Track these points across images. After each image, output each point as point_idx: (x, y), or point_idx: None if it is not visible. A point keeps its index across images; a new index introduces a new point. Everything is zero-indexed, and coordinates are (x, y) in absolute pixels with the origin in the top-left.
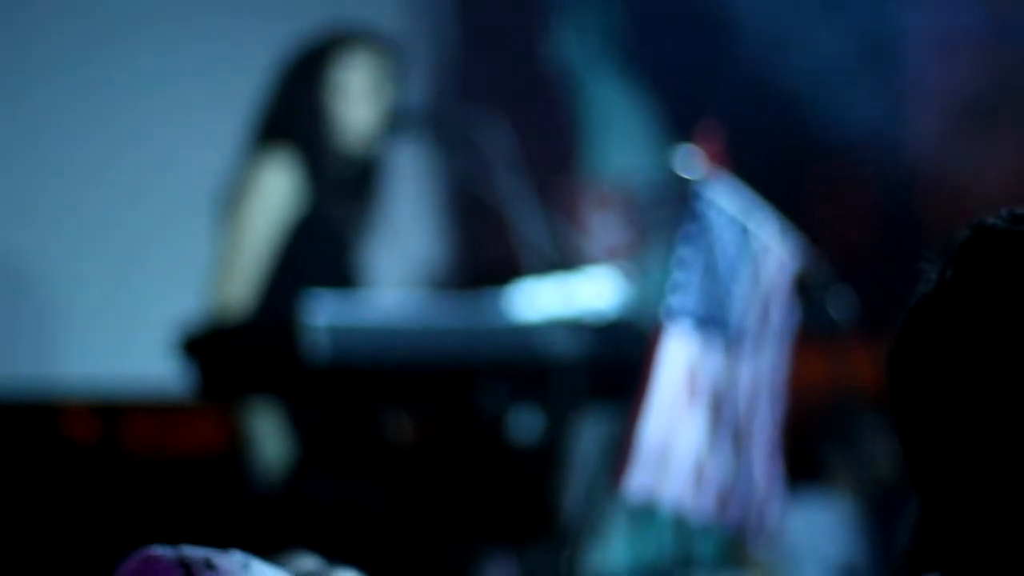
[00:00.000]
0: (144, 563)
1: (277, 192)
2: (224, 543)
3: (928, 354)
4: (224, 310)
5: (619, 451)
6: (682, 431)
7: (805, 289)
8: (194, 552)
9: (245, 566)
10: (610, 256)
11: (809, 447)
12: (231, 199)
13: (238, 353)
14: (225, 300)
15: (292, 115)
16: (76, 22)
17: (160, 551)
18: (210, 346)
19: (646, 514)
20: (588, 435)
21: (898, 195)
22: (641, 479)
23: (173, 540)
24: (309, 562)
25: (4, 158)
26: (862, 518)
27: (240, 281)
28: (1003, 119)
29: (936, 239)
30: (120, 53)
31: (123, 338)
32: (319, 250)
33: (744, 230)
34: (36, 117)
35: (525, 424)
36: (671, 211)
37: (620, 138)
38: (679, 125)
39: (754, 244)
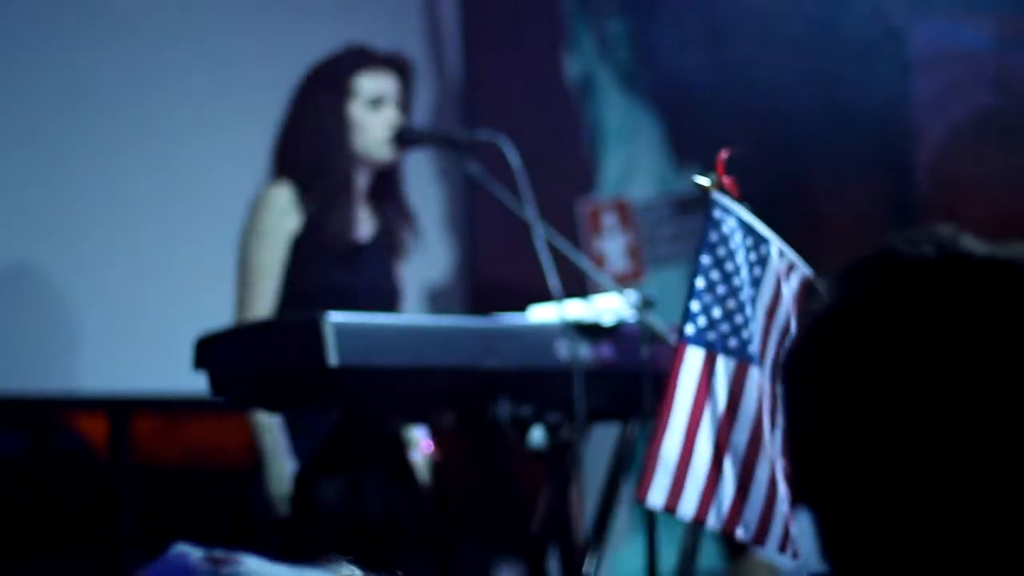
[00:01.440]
0: (173, 559)
1: (277, 209)
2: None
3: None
4: None
5: (644, 464)
6: (701, 444)
7: (811, 304)
8: (220, 552)
9: (270, 567)
10: (620, 280)
11: None
12: (242, 232)
13: (251, 349)
14: None
15: (298, 146)
16: (107, 41)
17: (188, 548)
18: (224, 343)
19: (662, 523)
20: (603, 441)
21: (905, 212)
22: (662, 490)
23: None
24: (346, 570)
25: (28, 171)
26: None
27: (254, 310)
28: (1006, 134)
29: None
30: (149, 71)
31: (144, 353)
32: (327, 270)
33: (761, 240)
34: (60, 131)
35: (541, 428)
36: (677, 227)
37: (627, 156)
38: (684, 143)
39: (771, 254)
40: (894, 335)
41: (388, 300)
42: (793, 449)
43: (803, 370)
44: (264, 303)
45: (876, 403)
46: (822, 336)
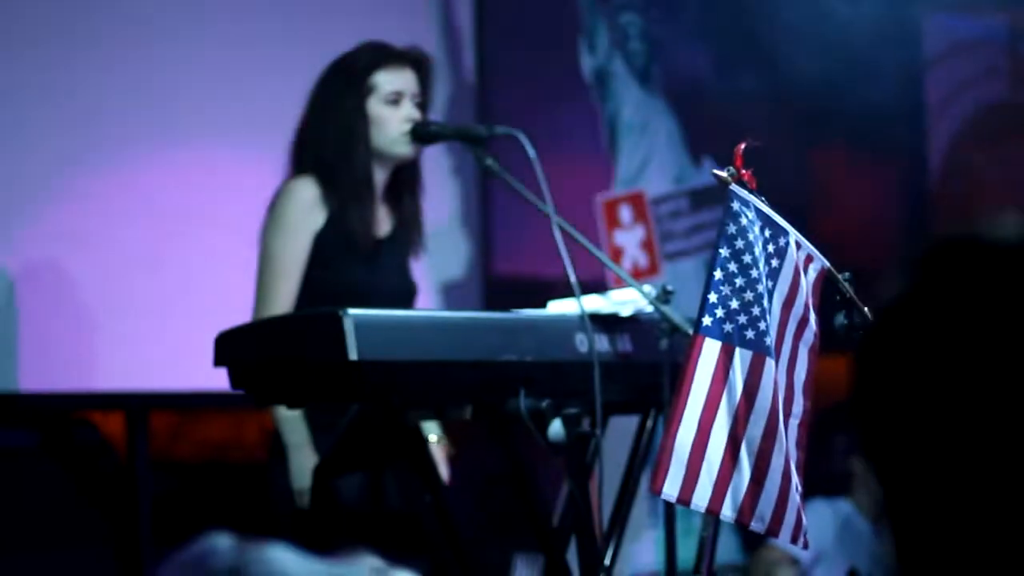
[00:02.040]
0: (204, 544)
1: (303, 203)
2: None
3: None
4: None
5: (658, 456)
6: (716, 436)
7: (828, 295)
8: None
9: (294, 556)
10: (637, 273)
11: (827, 455)
12: (263, 227)
13: (272, 344)
14: None
15: (319, 143)
16: (131, 45)
17: (219, 535)
18: (245, 338)
19: (680, 515)
20: (622, 433)
21: (918, 205)
22: (676, 482)
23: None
24: (370, 563)
25: (48, 171)
26: (879, 528)
27: (273, 309)
28: (1019, 124)
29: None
30: (170, 73)
31: (161, 351)
32: (349, 267)
33: (779, 231)
34: (80, 130)
35: (560, 421)
36: (693, 220)
37: (643, 150)
38: (699, 137)
39: (789, 246)
40: (980, 324)
41: (406, 297)
42: (869, 441)
43: (885, 358)
44: (285, 300)
45: (963, 394)
46: (907, 323)
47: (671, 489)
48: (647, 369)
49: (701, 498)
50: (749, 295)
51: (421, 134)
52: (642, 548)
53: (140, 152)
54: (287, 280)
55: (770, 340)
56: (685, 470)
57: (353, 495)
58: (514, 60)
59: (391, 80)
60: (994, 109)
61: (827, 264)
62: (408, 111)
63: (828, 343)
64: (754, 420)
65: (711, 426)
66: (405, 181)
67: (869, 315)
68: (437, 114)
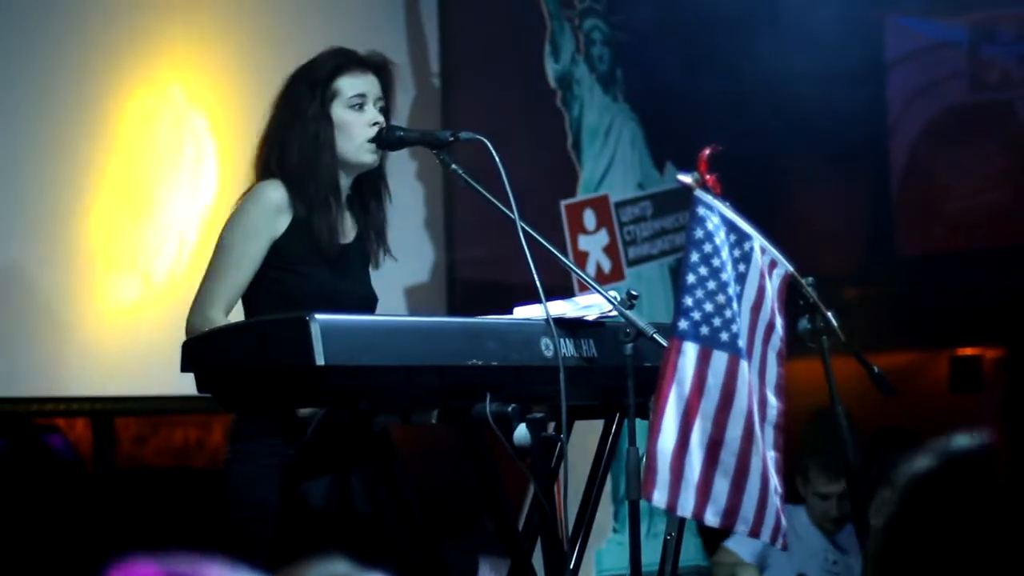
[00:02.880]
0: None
1: (269, 207)
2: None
3: None
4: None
5: (647, 462)
6: (696, 439)
7: (794, 299)
8: (179, 562)
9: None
10: (601, 277)
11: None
12: (225, 223)
13: (238, 349)
14: (200, 326)
15: (284, 149)
16: (95, 42)
17: (144, 563)
18: (211, 343)
19: (643, 519)
20: (586, 437)
21: (881, 207)
22: (664, 489)
23: (169, 548)
24: (340, 567)
25: (14, 173)
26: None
27: (218, 304)
28: (979, 126)
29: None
30: (136, 72)
31: (127, 357)
32: (314, 273)
33: (744, 236)
34: (48, 133)
35: (526, 425)
36: (656, 225)
37: (607, 155)
38: (662, 142)
39: (754, 250)
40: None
41: (369, 304)
42: None
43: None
44: (229, 292)
45: None
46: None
47: (660, 495)
48: (612, 373)
49: (685, 505)
50: (721, 298)
51: (386, 140)
52: (607, 551)
53: (108, 155)
54: (236, 273)
55: (743, 343)
56: (669, 475)
57: (320, 499)
58: (479, 65)
59: (354, 84)
60: (955, 111)
61: (791, 269)
62: (372, 114)
63: (792, 347)
64: (732, 422)
65: (691, 430)
66: (371, 190)
67: (832, 319)
68: (402, 119)
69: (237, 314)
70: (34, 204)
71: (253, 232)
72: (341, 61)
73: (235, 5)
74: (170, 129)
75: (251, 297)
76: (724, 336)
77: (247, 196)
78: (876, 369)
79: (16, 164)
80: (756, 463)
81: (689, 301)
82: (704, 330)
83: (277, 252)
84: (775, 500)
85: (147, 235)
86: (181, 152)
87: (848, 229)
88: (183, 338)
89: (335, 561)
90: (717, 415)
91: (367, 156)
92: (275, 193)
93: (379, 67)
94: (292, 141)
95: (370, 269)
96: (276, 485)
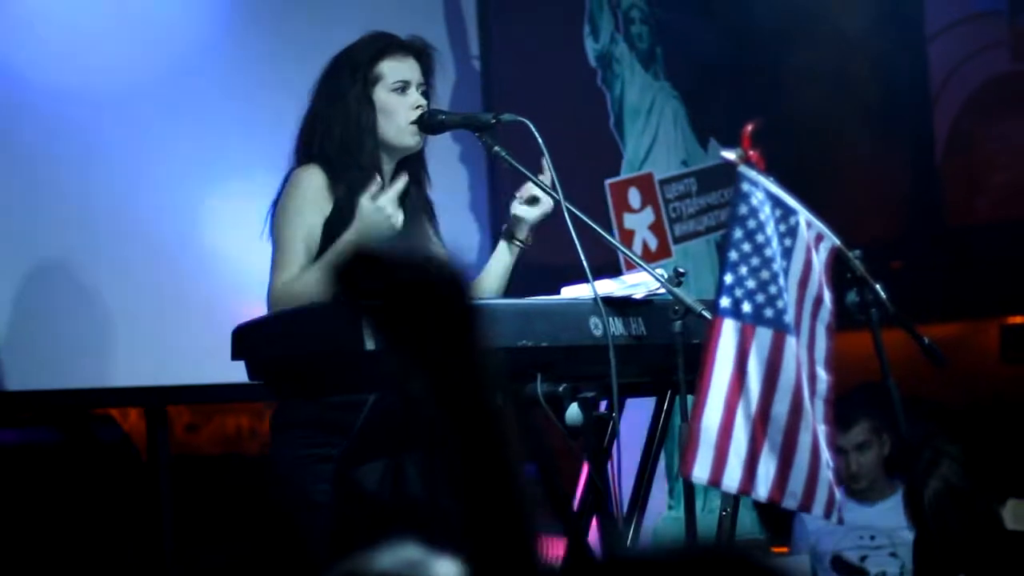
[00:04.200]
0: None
1: (311, 189)
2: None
3: None
4: (285, 295)
5: (686, 439)
6: (742, 415)
7: (841, 272)
8: None
9: None
10: (647, 255)
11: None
12: (275, 215)
13: (289, 336)
14: (283, 287)
15: (326, 133)
16: (131, 37)
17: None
18: (261, 331)
19: (698, 495)
20: (638, 414)
21: (926, 179)
22: (706, 464)
23: (230, 536)
24: (411, 550)
25: (57, 166)
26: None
27: (291, 267)
28: (1019, 92)
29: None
30: (176, 66)
31: (177, 347)
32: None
33: (789, 211)
34: (89, 124)
35: (577, 404)
36: (701, 201)
37: (650, 133)
38: (704, 118)
39: (799, 225)
40: None
41: None
42: None
43: None
44: (300, 261)
45: None
46: None
47: (701, 472)
48: (661, 351)
49: (731, 479)
50: (765, 274)
51: (428, 123)
52: (662, 528)
53: (155, 146)
54: (299, 242)
55: (789, 318)
56: (714, 452)
57: (374, 484)
58: (519, 46)
59: (397, 69)
60: (997, 81)
61: (838, 242)
62: (415, 98)
63: (840, 320)
64: (779, 398)
65: (736, 406)
66: (412, 173)
67: (880, 291)
68: (443, 103)
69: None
70: (81, 193)
71: (305, 204)
72: (383, 45)
73: None
74: (211, 121)
75: None
76: (768, 312)
77: (287, 184)
78: (927, 340)
79: (56, 155)
80: (805, 438)
81: (731, 279)
82: (747, 307)
83: (327, 234)
84: (827, 474)
85: (198, 222)
86: (222, 143)
87: (894, 201)
88: (231, 326)
89: (407, 546)
90: (763, 391)
91: (410, 139)
92: (314, 177)
93: (420, 52)
94: (334, 125)
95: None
96: (314, 475)
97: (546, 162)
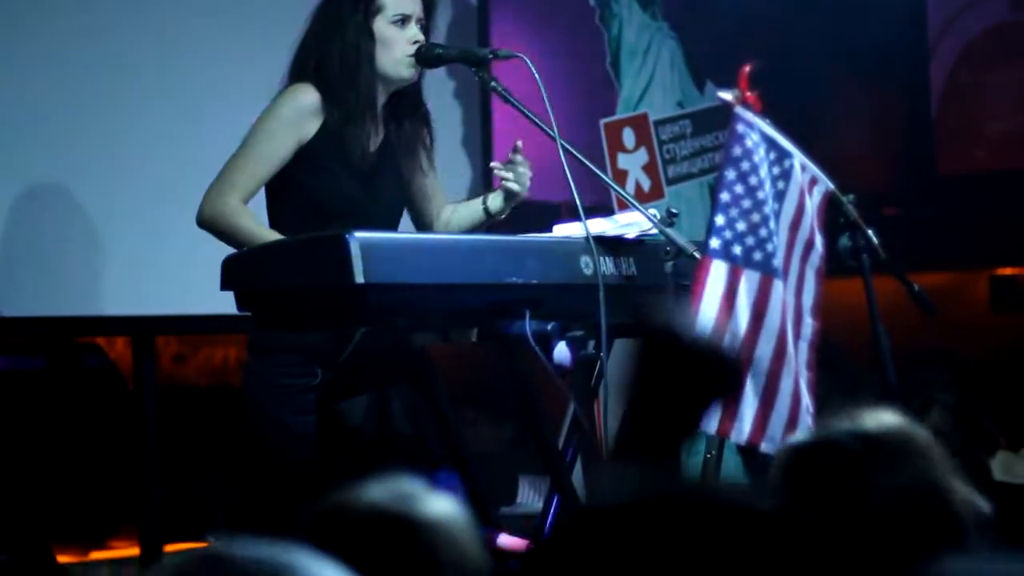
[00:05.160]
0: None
1: (297, 108)
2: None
3: None
4: (216, 219)
5: None
6: None
7: (832, 218)
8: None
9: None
10: (641, 196)
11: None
12: (257, 118)
13: (278, 268)
14: (217, 210)
15: (325, 57)
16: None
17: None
18: (250, 263)
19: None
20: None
21: (921, 128)
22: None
23: (207, 466)
24: (402, 484)
25: (50, 94)
26: None
27: (237, 191)
28: (1020, 46)
29: (954, 167)
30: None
31: (167, 277)
32: (341, 178)
33: (784, 153)
34: (81, 55)
35: (565, 343)
36: (696, 143)
37: (646, 73)
38: (701, 60)
39: (794, 168)
40: None
41: (394, 215)
42: None
43: None
44: (248, 186)
45: None
46: None
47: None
48: (652, 292)
49: (712, 420)
50: (756, 217)
51: (425, 56)
52: None
53: (150, 75)
54: (258, 166)
55: (778, 262)
56: None
57: (359, 417)
58: None
59: (398, 2)
60: (995, 31)
61: (832, 187)
62: (414, 32)
63: (832, 266)
64: (763, 341)
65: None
66: (406, 106)
67: (872, 237)
68: (439, 39)
69: (256, 211)
70: (73, 121)
71: (281, 128)
72: None
73: None
74: (202, 53)
75: (278, 203)
76: (757, 255)
77: (280, 94)
78: (917, 288)
79: (48, 83)
80: (787, 383)
81: (722, 220)
82: (736, 249)
83: (304, 156)
84: (807, 419)
85: (188, 153)
86: (214, 75)
87: (888, 148)
88: (222, 257)
89: (398, 479)
90: (748, 334)
91: (405, 71)
92: (309, 95)
93: None
94: (332, 51)
95: (419, 176)
96: (295, 406)
97: (544, 98)
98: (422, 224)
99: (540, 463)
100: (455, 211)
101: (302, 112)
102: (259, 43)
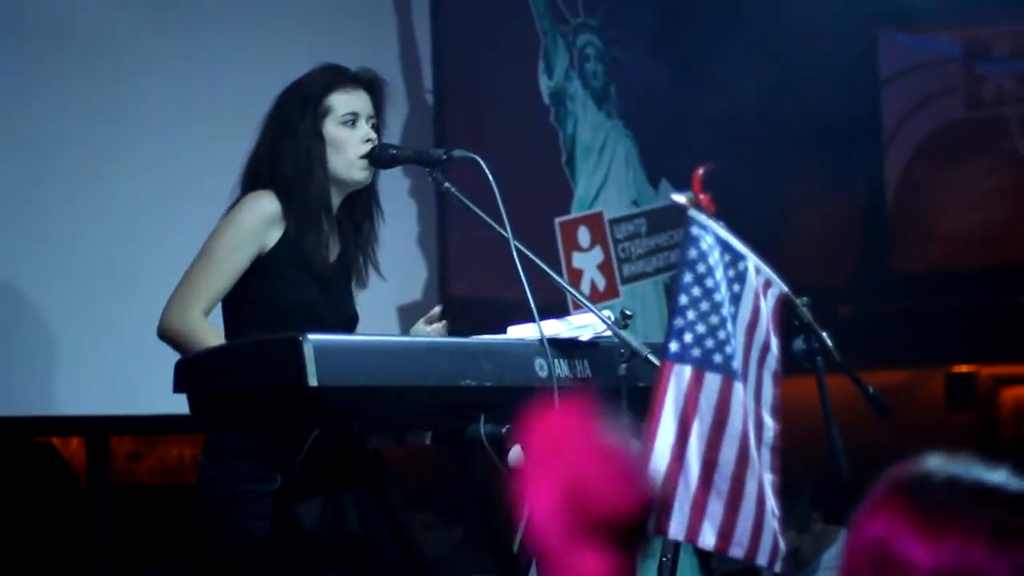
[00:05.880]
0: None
1: (259, 220)
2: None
3: None
4: (178, 332)
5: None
6: (690, 462)
7: (788, 319)
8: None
9: None
10: (595, 295)
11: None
12: (215, 228)
13: (231, 370)
14: (179, 323)
15: (277, 164)
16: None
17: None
18: (204, 364)
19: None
20: None
21: (876, 224)
22: (654, 512)
23: (160, 565)
24: None
25: (8, 185)
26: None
27: (198, 304)
28: (975, 143)
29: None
30: (131, 89)
31: (121, 375)
32: (302, 286)
33: (738, 256)
34: (41, 146)
35: (521, 446)
36: (651, 242)
37: (601, 172)
38: (656, 159)
39: (748, 270)
40: None
41: (352, 323)
42: None
43: None
44: (209, 299)
45: None
46: None
47: (652, 520)
48: (607, 394)
49: (678, 528)
50: (715, 319)
51: (379, 157)
52: None
53: (112, 172)
54: (219, 279)
55: (737, 364)
56: (661, 500)
57: (313, 519)
58: (472, 82)
59: (346, 101)
60: (950, 128)
61: (785, 289)
62: (364, 131)
63: (787, 367)
64: (727, 444)
65: (684, 453)
66: (363, 208)
67: (827, 339)
68: (394, 137)
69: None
70: (28, 221)
71: (243, 241)
72: (333, 78)
73: (226, 22)
74: (163, 146)
75: (235, 309)
76: (717, 358)
77: (240, 205)
78: (871, 390)
79: (7, 175)
80: (751, 486)
81: (681, 322)
82: (696, 352)
83: (263, 264)
84: (772, 523)
85: (142, 253)
86: (173, 169)
87: (842, 246)
88: (176, 356)
89: None
90: (710, 437)
91: (359, 173)
92: (270, 204)
93: (371, 84)
94: (284, 157)
95: (355, 288)
96: (254, 510)
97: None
98: None
99: (493, 565)
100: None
101: (264, 221)
102: (221, 143)
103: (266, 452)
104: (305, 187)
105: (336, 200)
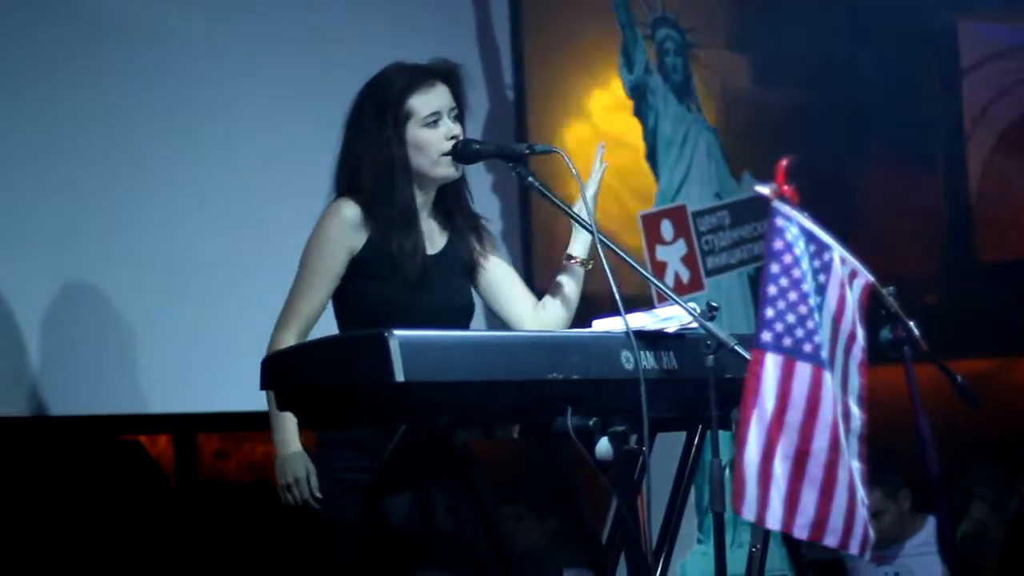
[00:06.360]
0: None
1: (341, 226)
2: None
3: None
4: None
5: (734, 475)
6: (783, 451)
7: (873, 309)
8: None
9: None
10: (680, 288)
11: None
12: (309, 238)
13: (317, 367)
14: (274, 346)
15: (358, 170)
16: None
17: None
18: (290, 362)
19: (728, 529)
20: (669, 449)
21: (960, 214)
22: (752, 502)
23: (254, 563)
24: None
25: (92, 194)
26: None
27: (292, 325)
28: None
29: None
30: (209, 103)
31: (210, 374)
32: (395, 284)
33: (823, 246)
34: (127, 149)
35: (607, 439)
36: (734, 235)
37: (683, 165)
38: (738, 151)
39: (833, 260)
40: None
41: (460, 314)
42: None
43: None
44: (304, 316)
45: None
46: None
47: (748, 509)
48: (693, 385)
49: (774, 517)
50: (803, 308)
51: (462, 153)
52: (691, 563)
53: (191, 169)
54: (313, 292)
55: (825, 353)
56: (756, 488)
57: (402, 515)
58: (552, 77)
59: (427, 102)
60: None
61: (872, 279)
62: (447, 127)
63: (873, 356)
64: (819, 433)
65: (777, 442)
66: (452, 197)
67: (914, 328)
68: (476, 132)
69: (324, 330)
70: (118, 217)
71: (330, 249)
72: (409, 80)
73: (299, 19)
74: (244, 153)
75: (339, 310)
76: (807, 347)
77: (323, 215)
78: (959, 379)
79: (93, 184)
80: (843, 474)
81: (771, 312)
82: (787, 341)
83: (356, 265)
84: (862, 511)
85: (228, 249)
86: (256, 173)
87: (927, 235)
88: (262, 352)
89: None
90: (803, 426)
91: (445, 170)
92: (349, 211)
93: (447, 75)
94: (364, 164)
95: (483, 274)
96: (346, 501)
97: (582, 192)
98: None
99: (584, 558)
100: (544, 305)
101: (345, 227)
102: (304, 144)
103: (370, 442)
104: (387, 193)
105: (424, 197)
